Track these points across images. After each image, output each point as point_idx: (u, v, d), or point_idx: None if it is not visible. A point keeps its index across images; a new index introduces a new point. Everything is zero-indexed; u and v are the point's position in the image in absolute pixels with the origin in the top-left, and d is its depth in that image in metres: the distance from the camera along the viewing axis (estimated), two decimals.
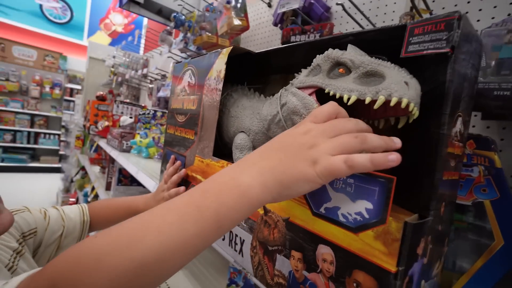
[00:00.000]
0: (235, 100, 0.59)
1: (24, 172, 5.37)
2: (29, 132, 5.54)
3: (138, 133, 1.44)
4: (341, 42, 0.42)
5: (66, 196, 3.30)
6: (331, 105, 0.34)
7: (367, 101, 0.31)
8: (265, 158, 0.35)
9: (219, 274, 1.00)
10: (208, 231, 0.32)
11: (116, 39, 5.98)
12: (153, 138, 1.37)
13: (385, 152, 0.30)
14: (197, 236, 0.31)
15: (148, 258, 0.30)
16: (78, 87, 5.77)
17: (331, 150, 0.31)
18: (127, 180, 1.61)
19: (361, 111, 0.37)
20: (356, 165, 0.29)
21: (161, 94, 1.53)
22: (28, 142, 5.55)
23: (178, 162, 0.65)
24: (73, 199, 2.71)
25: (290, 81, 0.42)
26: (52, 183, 4.66)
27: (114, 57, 2.92)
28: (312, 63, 0.40)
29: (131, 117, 2.00)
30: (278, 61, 0.62)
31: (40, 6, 5.72)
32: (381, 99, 0.30)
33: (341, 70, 0.36)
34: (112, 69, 3.29)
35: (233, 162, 0.48)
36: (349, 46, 0.37)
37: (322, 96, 0.38)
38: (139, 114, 1.46)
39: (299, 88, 0.39)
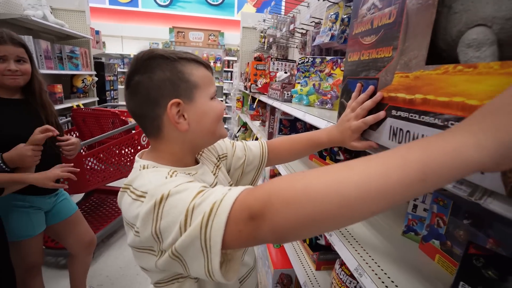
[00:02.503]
0: None
1: None
2: None
3: (298, 83, 1.49)
4: None
5: None
6: None
7: None
8: (486, 116, 0.29)
9: (394, 221, 0.93)
10: (412, 180, 0.30)
11: (260, 7, 6.36)
12: (314, 85, 1.37)
13: None
14: (400, 184, 0.31)
15: (350, 195, 0.32)
16: (234, 58, 6.65)
17: None
18: (287, 129, 1.74)
19: None
20: None
21: (317, 42, 1.50)
22: None
23: (370, 87, 0.60)
24: None
25: None
26: None
27: (264, 20, 3.11)
28: None
29: (285, 72, 2.10)
30: None
31: None
32: None
33: None
34: (262, 34, 3.55)
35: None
36: None
37: None
38: (298, 64, 1.50)
39: None
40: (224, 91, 6.83)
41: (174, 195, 0.45)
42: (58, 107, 2.83)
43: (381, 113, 0.56)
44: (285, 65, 2.22)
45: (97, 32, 4.06)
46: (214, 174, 0.70)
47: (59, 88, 2.95)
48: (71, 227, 1.52)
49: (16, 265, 1.24)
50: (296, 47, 2.63)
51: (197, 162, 0.67)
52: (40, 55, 2.67)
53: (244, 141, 0.85)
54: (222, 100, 6.94)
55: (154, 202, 0.44)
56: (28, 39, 2.47)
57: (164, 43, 6.62)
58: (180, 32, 6.66)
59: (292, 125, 1.72)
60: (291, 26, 2.32)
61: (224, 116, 4.99)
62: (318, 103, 1.32)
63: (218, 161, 0.77)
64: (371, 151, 0.64)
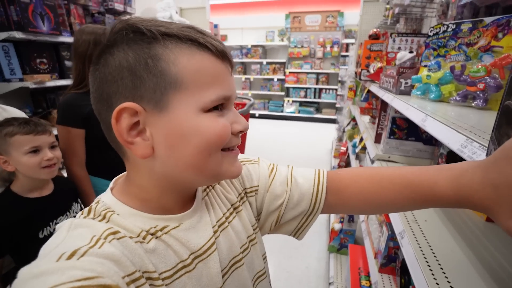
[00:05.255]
0: None
1: (311, 122, 6.63)
2: (315, 89, 6.65)
3: (425, 66, 0.98)
4: None
5: (338, 145, 3.55)
6: None
7: None
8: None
9: None
10: None
11: None
12: (452, 68, 0.85)
13: None
14: None
15: None
16: (353, 40, 5.90)
17: None
18: (402, 132, 1.24)
19: None
20: None
21: None
22: (314, 97, 6.70)
23: None
24: (344, 148, 2.81)
25: None
26: (329, 132, 5.35)
27: None
28: None
29: (411, 52, 1.53)
30: None
31: None
32: None
33: None
34: (387, 6, 2.86)
35: None
36: None
37: None
38: (428, 37, 0.98)
39: None
40: (339, 78, 6.22)
41: None
42: None
43: None
44: (412, 42, 1.62)
45: (216, 26, 4.34)
46: (217, 230, 0.43)
47: None
48: None
49: None
50: (434, 16, 1.92)
51: (191, 205, 0.42)
52: None
53: (291, 167, 0.52)
54: (336, 89, 6.34)
55: None
56: None
57: (280, 30, 6.56)
58: (296, 17, 6.42)
59: (412, 128, 1.21)
60: None
61: (337, 106, 4.58)
62: (458, 98, 0.81)
63: (243, 197, 0.49)
64: None
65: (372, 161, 1.26)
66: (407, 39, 1.68)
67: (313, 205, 0.48)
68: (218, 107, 0.36)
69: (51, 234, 0.95)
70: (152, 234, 0.36)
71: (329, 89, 6.54)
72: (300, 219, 0.49)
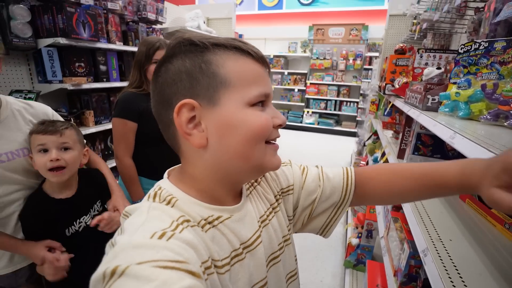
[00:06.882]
0: None
1: (330, 134, 6.56)
2: (335, 101, 6.60)
3: (454, 82, 0.97)
4: None
5: (358, 158, 3.49)
6: None
7: None
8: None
9: None
10: None
11: None
12: (483, 86, 0.84)
13: None
14: None
15: None
16: (377, 54, 5.84)
17: None
18: (427, 149, 1.22)
19: None
20: None
21: (506, 13, 0.91)
22: (335, 109, 6.64)
23: None
24: (363, 162, 2.76)
25: None
26: (349, 145, 5.26)
27: (418, 1, 2.43)
28: None
29: (439, 68, 1.51)
30: None
31: None
32: None
33: None
34: (414, 21, 2.83)
35: None
36: None
37: None
38: (458, 54, 0.97)
39: None
40: (360, 91, 6.14)
41: (126, 279, 0.27)
42: None
43: None
44: (440, 58, 1.60)
45: (241, 36, 4.46)
46: (260, 225, 0.47)
47: None
48: None
49: None
50: (465, 32, 1.89)
51: (240, 198, 0.47)
52: None
53: (321, 166, 0.58)
54: (357, 102, 6.27)
55: (103, 273, 0.28)
56: None
57: (302, 42, 6.62)
58: (319, 29, 6.45)
59: (437, 145, 1.18)
60: (459, 0, 1.65)
61: (358, 119, 4.55)
62: (489, 117, 0.80)
63: (279, 199, 0.53)
64: None
65: None
66: (435, 55, 1.66)
67: (344, 197, 0.54)
68: (260, 104, 0.41)
69: (76, 232, 1.00)
70: (209, 223, 0.40)
71: (350, 101, 6.47)
72: (330, 211, 0.55)
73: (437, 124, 0.85)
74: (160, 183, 0.44)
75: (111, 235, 0.90)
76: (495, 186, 0.34)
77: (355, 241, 1.67)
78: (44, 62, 1.69)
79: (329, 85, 6.55)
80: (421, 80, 1.60)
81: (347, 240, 1.88)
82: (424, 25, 2.40)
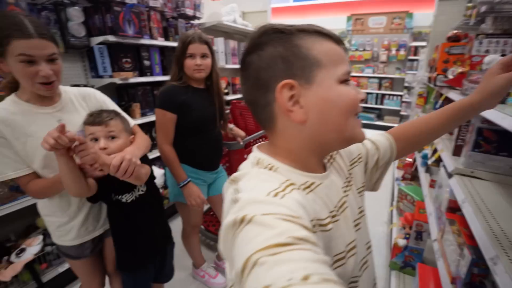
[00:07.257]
0: None
1: (371, 129, 6.21)
2: (377, 94, 6.25)
3: None
4: None
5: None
6: None
7: None
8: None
9: None
10: None
11: None
12: None
13: None
14: None
15: None
16: (423, 43, 5.40)
17: None
18: (490, 146, 1.09)
19: None
20: None
21: None
22: (376, 103, 6.29)
23: None
24: (410, 160, 2.58)
25: None
26: None
27: None
28: None
29: (503, 55, 1.34)
30: None
31: None
32: None
33: None
34: (469, 4, 2.55)
35: None
36: None
37: None
38: None
39: None
40: (405, 84, 5.74)
41: (253, 225, 0.34)
42: (237, 96, 3.29)
43: None
44: (505, 44, 1.42)
45: None
46: (345, 191, 0.54)
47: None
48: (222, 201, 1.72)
49: (185, 222, 1.69)
50: None
51: (324, 169, 0.53)
52: (228, 53, 3.17)
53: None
54: (401, 96, 5.88)
55: (234, 220, 0.35)
56: (220, 40, 2.97)
57: (340, 33, 6.34)
58: (358, 19, 6.12)
59: (504, 141, 1.05)
60: None
61: (402, 113, 4.31)
62: None
63: (349, 175, 0.59)
64: None
65: (450, 175, 1.13)
66: (498, 40, 1.48)
67: (392, 153, 0.66)
68: (345, 81, 0.45)
69: (118, 200, 1.08)
70: (307, 187, 0.46)
71: (393, 95, 6.09)
72: (383, 167, 0.66)
73: (506, 117, 0.75)
74: (256, 155, 0.49)
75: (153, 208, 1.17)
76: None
77: (402, 242, 1.56)
78: (96, 59, 1.81)
79: (369, 77, 6.23)
80: (481, 69, 1.43)
81: (392, 241, 1.77)
82: (483, 8, 2.15)
